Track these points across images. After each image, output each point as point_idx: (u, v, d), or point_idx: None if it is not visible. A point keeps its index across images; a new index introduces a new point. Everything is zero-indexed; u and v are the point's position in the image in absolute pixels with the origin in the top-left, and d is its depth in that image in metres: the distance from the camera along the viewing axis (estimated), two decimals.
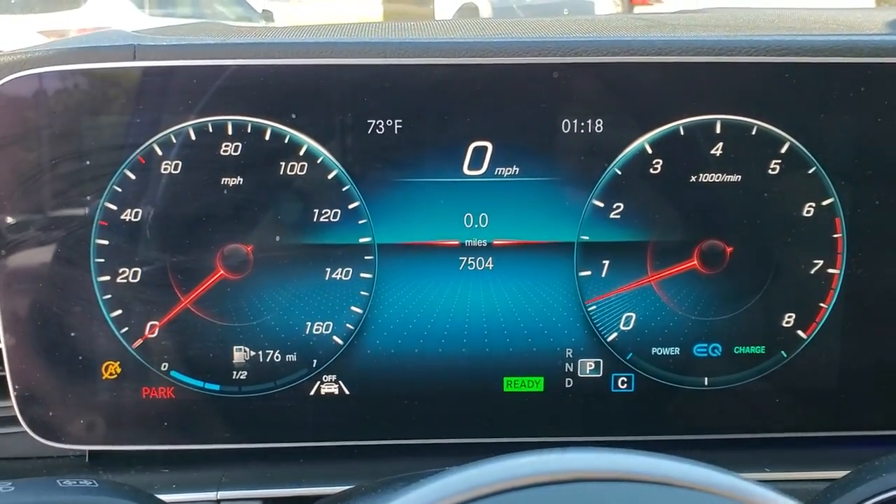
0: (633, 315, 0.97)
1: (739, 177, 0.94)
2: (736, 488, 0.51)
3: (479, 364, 0.97)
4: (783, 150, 0.94)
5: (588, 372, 0.98)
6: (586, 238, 0.95)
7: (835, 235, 0.95)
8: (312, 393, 0.97)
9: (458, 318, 0.96)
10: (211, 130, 0.91)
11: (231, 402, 0.96)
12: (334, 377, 0.96)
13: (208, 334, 0.95)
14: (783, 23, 1.19)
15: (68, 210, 0.92)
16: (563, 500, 0.49)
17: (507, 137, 0.92)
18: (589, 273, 0.95)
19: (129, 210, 0.92)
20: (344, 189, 0.93)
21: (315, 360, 0.96)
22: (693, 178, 0.94)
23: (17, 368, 0.93)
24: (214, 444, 0.97)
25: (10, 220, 0.91)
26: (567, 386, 0.98)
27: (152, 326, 0.94)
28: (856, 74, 0.92)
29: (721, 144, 0.93)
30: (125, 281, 0.93)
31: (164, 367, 0.95)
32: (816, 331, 0.97)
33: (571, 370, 0.97)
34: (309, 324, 0.95)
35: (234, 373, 0.96)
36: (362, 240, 0.94)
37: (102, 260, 0.93)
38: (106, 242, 0.92)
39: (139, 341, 0.94)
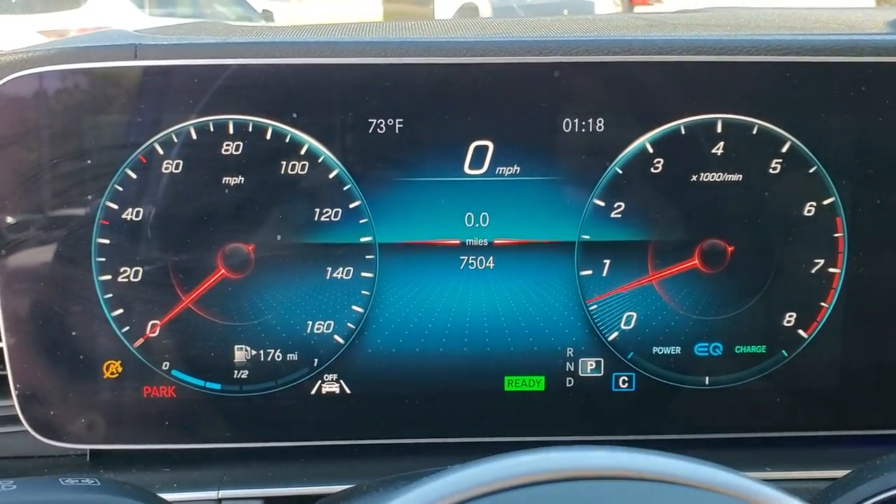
0: (634, 314, 0.97)
1: (740, 176, 0.94)
2: (741, 487, 0.51)
3: (480, 363, 0.97)
4: (784, 150, 0.94)
5: (589, 371, 0.98)
6: (587, 237, 0.95)
7: (836, 235, 0.95)
8: (313, 392, 0.97)
9: (458, 318, 0.96)
10: (212, 130, 0.91)
11: (232, 401, 0.96)
12: (335, 376, 0.96)
13: (209, 333, 0.95)
14: (784, 22, 1.19)
15: (69, 209, 0.92)
16: (568, 499, 0.49)
17: (508, 137, 0.92)
18: (590, 272, 0.96)
19: (130, 209, 0.92)
20: (345, 188, 0.93)
21: (316, 360, 0.96)
22: (694, 178, 0.94)
23: (19, 367, 0.94)
24: (215, 444, 0.97)
25: (11, 219, 0.91)
26: (568, 385, 0.98)
27: (153, 325, 0.94)
28: (856, 74, 0.92)
29: (722, 144, 0.93)
30: (126, 280, 0.93)
31: (166, 366, 0.95)
32: (817, 330, 0.97)
33: (572, 369, 0.97)
34: (310, 323, 0.95)
35: (236, 372, 0.96)
36: (363, 239, 0.94)
37: (104, 259, 0.93)
38: (107, 241, 0.92)
39: (140, 340, 0.94)
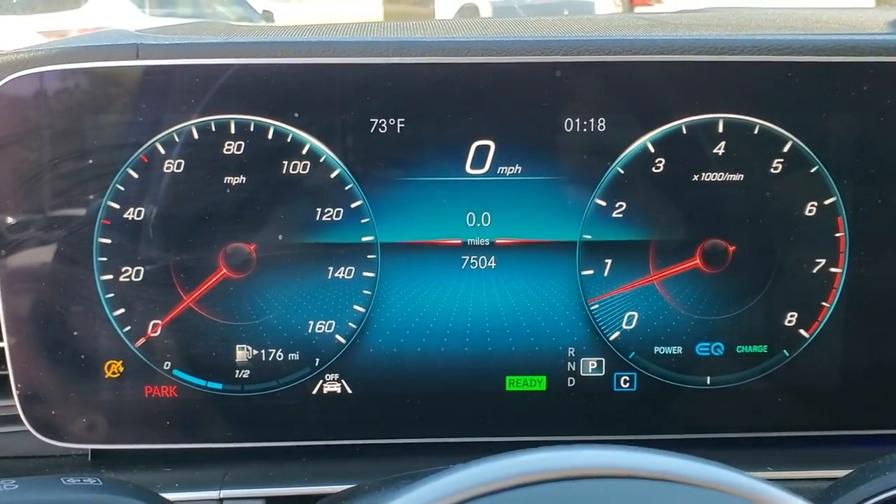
0: (636, 314, 0.97)
1: (742, 176, 0.94)
2: (746, 487, 0.51)
3: (482, 363, 0.97)
4: (785, 150, 0.94)
5: (590, 371, 0.98)
6: (589, 237, 0.95)
7: (837, 234, 0.95)
8: (315, 392, 0.97)
9: (460, 318, 0.96)
10: (214, 129, 0.91)
11: (234, 400, 0.96)
12: (337, 376, 0.96)
13: (211, 333, 0.95)
14: (785, 22, 1.19)
15: (71, 209, 0.92)
16: (572, 498, 0.49)
17: (509, 136, 0.92)
18: (591, 272, 0.96)
19: (131, 209, 0.92)
20: (346, 188, 0.93)
21: (318, 359, 0.96)
22: (695, 177, 0.94)
23: (20, 367, 0.94)
24: (217, 443, 0.97)
25: (13, 218, 0.91)
26: (569, 385, 0.98)
27: (155, 325, 0.94)
28: (858, 73, 0.92)
29: (723, 143, 0.93)
30: (128, 280, 0.93)
31: (167, 365, 0.95)
32: (819, 330, 0.97)
33: (574, 369, 0.97)
34: (311, 323, 0.95)
35: (237, 371, 0.96)
36: (365, 239, 0.94)
37: (105, 259, 0.93)
38: (109, 241, 0.92)
39: (142, 340, 0.95)
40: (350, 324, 0.95)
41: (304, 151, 0.92)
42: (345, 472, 0.93)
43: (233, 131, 0.91)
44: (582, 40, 0.93)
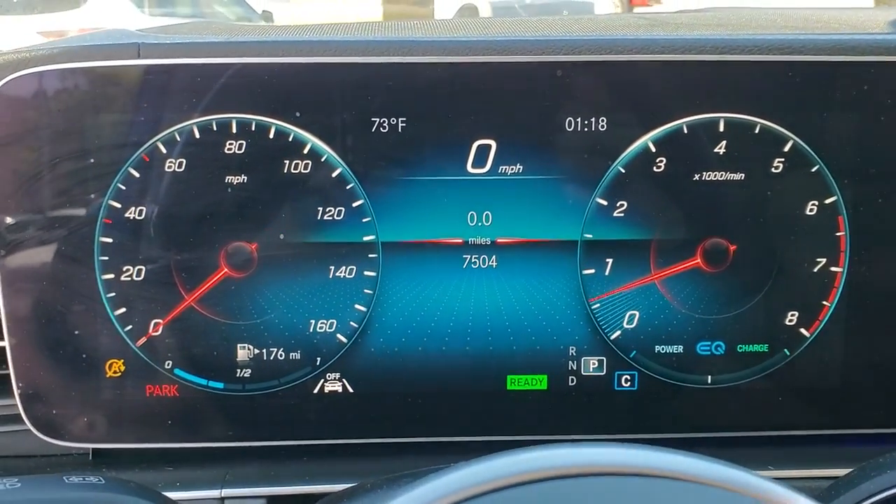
0: (637, 313, 0.97)
1: (743, 175, 0.94)
2: (752, 485, 0.51)
3: (483, 362, 0.97)
4: (786, 149, 0.94)
5: (591, 370, 0.98)
6: (590, 236, 0.95)
7: (838, 234, 0.95)
8: (316, 391, 0.97)
9: (461, 317, 0.96)
10: (215, 128, 0.91)
11: (235, 400, 0.96)
12: (338, 375, 0.96)
13: (212, 332, 0.95)
14: (785, 22, 1.19)
15: (72, 208, 0.92)
16: (579, 495, 0.49)
17: (510, 136, 0.93)
18: (592, 271, 0.96)
19: (133, 208, 0.92)
20: (348, 187, 0.93)
21: (319, 358, 0.96)
22: (696, 177, 0.94)
23: (21, 366, 0.94)
24: (218, 443, 0.97)
25: (15, 217, 0.91)
26: (570, 384, 0.98)
27: (156, 324, 0.94)
28: (858, 73, 0.92)
29: (724, 143, 0.93)
30: (129, 279, 0.93)
31: (168, 365, 0.95)
32: (819, 329, 0.97)
33: (575, 368, 0.97)
34: (313, 322, 0.95)
35: (238, 371, 0.96)
36: (366, 238, 0.94)
37: (106, 258, 0.93)
38: (110, 240, 0.92)
39: (143, 339, 0.95)
40: (351, 323, 0.95)
41: (305, 151, 0.92)
42: (346, 471, 0.93)
43: (234, 130, 0.91)
44: (583, 40, 0.93)
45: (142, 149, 0.91)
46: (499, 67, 0.91)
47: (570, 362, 0.97)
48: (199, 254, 0.93)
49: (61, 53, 0.90)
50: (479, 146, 0.93)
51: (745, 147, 0.93)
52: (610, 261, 0.96)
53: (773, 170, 0.94)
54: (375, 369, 0.96)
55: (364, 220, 0.94)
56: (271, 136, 0.91)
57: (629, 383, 0.98)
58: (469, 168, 0.93)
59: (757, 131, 0.93)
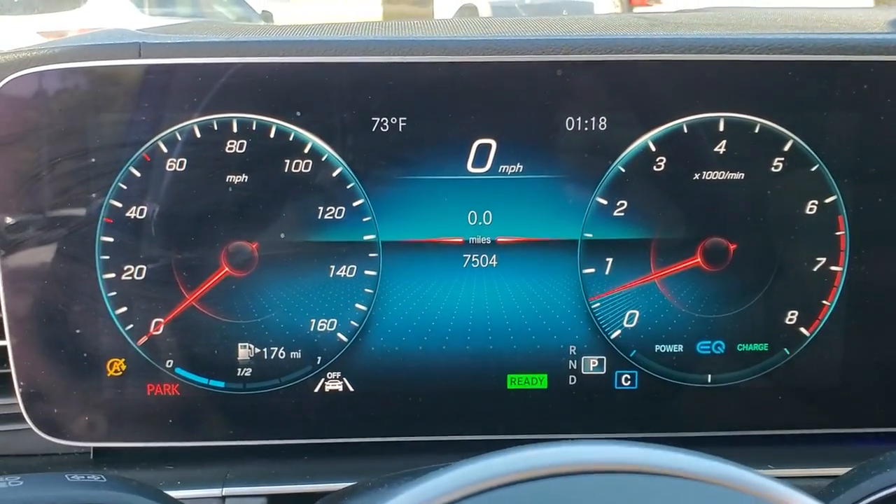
0: (637, 312, 0.97)
1: (743, 174, 0.94)
2: (752, 483, 0.51)
3: (483, 361, 0.97)
4: (786, 148, 0.94)
5: (591, 369, 0.98)
6: (590, 235, 0.95)
7: (838, 233, 0.96)
8: (317, 390, 0.97)
9: (461, 316, 0.96)
10: (216, 128, 0.91)
11: (236, 398, 0.96)
12: (339, 374, 0.97)
13: (213, 331, 0.95)
14: (785, 21, 1.20)
15: (73, 207, 0.92)
16: (578, 493, 0.49)
17: (510, 135, 0.93)
18: (592, 270, 0.96)
19: (134, 207, 0.92)
20: (348, 186, 0.93)
21: (319, 357, 0.96)
22: (696, 176, 0.94)
23: (23, 366, 0.94)
24: (219, 441, 0.97)
25: (16, 216, 0.91)
26: (571, 383, 0.98)
27: (157, 323, 0.95)
28: (858, 72, 0.92)
29: (724, 142, 0.93)
30: (130, 278, 0.93)
31: (169, 364, 0.95)
32: (819, 328, 0.97)
33: (575, 367, 0.98)
34: (313, 321, 0.95)
35: (239, 370, 0.96)
36: (366, 237, 0.94)
37: (107, 257, 0.93)
38: (111, 240, 0.93)
39: (144, 338, 0.95)
40: (352, 322, 0.96)
41: (305, 150, 0.92)
42: (346, 469, 0.94)
43: (235, 130, 0.91)
44: (583, 39, 0.93)
45: (143, 148, 0.91)
46: (499, 67, 0.91)
47: (571, 361, 0.97)
48: (200, 253, 0.94)
49: (62, 53, 0.90)
50: (479, 145, 0.93)
51: (745, 146, 0.94)
52: (610, 260, 0.96)
53: (773, 169, 0.94)
54: (376, 368, 0.96)
55: (364, 220, 0.94)
56: (272, 135, 0.92)
57: (629, 382, 0.98)
58: (469, 167, 0.93)
59: (757, 131, 0.93)
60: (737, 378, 0.98)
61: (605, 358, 0.98)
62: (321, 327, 0.96)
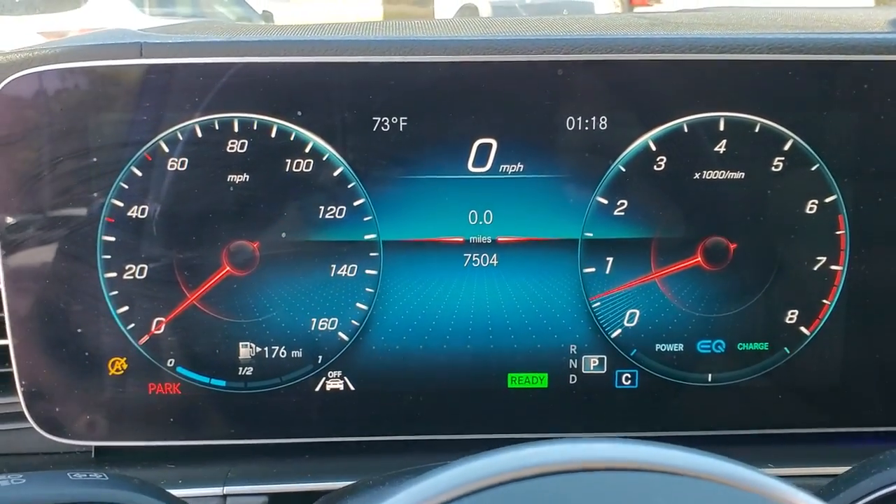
0: (637, 312, 0.97)
1: (743, 174, 0.94)
2: (754, 481, 0.52)
3: (484, 360, 0.97)
4: (786, 148, 0.94)
5: (592, 368, 0.98)
6: (590, 235, 0.95)
7: (838, 232, 0.96)
8: (318, 389, 0.97)
9: (462, 315, 0.96)
10: (217, 128, 0.91)
11: (237, 398, 0.97)
12: (339, 373, 0.97)
13: (214, 330, 0.95)
14: (786, 21, 1.20)
15: (75, 207, 0.92)
16: (583, 489, 0.49)
17: (511, 134, 0.93)
18: (593, 270, 0.96)
19: (135, 207, 0.92)
20: (349, 186, 0.93)
21: (320, 357, 0.96)
22: (697, 176, 0.94)
23: (24, 365, 0.94)
24: (220, 440, 0.97)
25: (18, 216, 0.91)
26: (571, 382, 0.98)
27: (158, 323, 0.95)
28: (858, 72, 0.93)
29: (724, 142, 0.94)
30: (132, 277, 0.94)
31: (171, 363, 0.96)
32: (819, 327, 0.98)
33: (575, 366, 0.98)
34: (314, 320, 0.96)
35: (240, 369, 0.96)
36: (367, 236, 0.94)
37: (109, 256, 0.93)
38: (112, 239, 0.93)
39: (145, 337, 0.95)
40: (353, 321, 0.96)
41: (306, 150, 0.92)
42: (347, 468, 0.94)
43: (236, 129, 0.91)
44: (583, 39, 0.93)
45: (144, 148, 0.91)
46: (500, 67, 0.92)
47: (571, 360, 0.98)
48: (201, 252, 0.94)
49: (64, 53, 0.90)
50: (479, 145, 0.93)
51: (745, 146, 0.94)
52: (610, 259, 0.96)
53: (773, 169, 0.94)
54: (377, 367, 0.97)
55: (365, 219, 0.94)
56: (273, 135, 0.92)
57: (630, 381, 0.98)
58: (470, 167, 0.93)
59: (757, 130, 0.94)
60: (737, 377, 0.98)
61: (605, 357, 0.98)
62: (322, 326, 0.96)
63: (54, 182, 0.91)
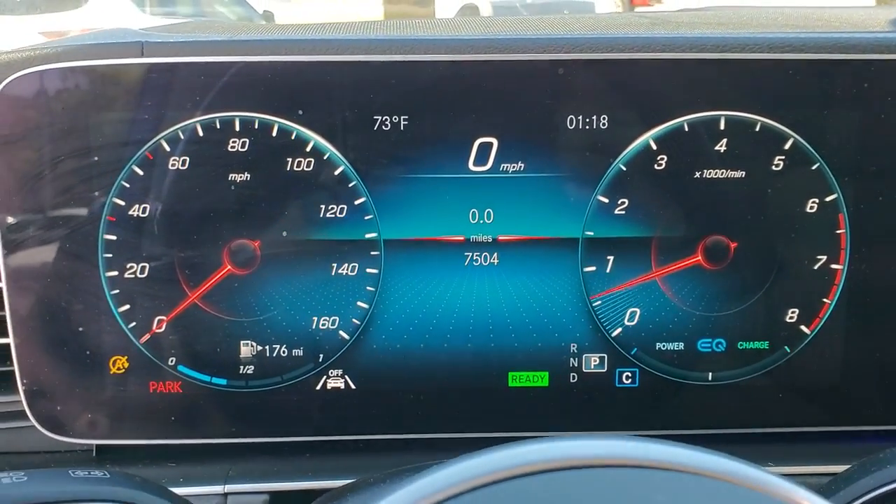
0: (638, 310, 0.97)
1: (743, 173, 0.94)
2: (756, 479, 0.52)
3: (485, 359, 0.97)
4: (787, 147, 0.94)
5: (593, 367, 0.98)
6: (591, 234, 0.95)
7: (838, 231, 0.96)
8: (319, 387, 0.97)
9: (463, 314, 0.96)
10: (218, 126, 0.91)
11: (238, 396, 0.97)
12: (340, 372, 0.97)
13: (215, 329, 0.95)
14: (786, 20, 1.20)
15: (76, 206, 0.92)
16: (586, 485, 0.49)
17: (512, 133, 0.93)
18: (594, 269, 0.96)
19: (136, 206, 0.92)
20: (350, 185, 0.93)
21: (321, 355, 0.96)
22: (697, 175, 0.94)
23: (26, 363, 0.94)
24: (221, 439, 0.97)
25: (20, 215, 0.91)
26: (572, 381, 0.98)
27: (160, 321, 0.95)
28: (859, 71, 0.93)
29: (725, 141, 0.94)
30: (133, 276, 0.94)
31: (172, 361, 0.96)
32: (819, 326, 0.98)
33: (576, 365, 0.98)
34: (315, 319, 0.96)
35: (241, 367, 0.96)
36: (368, 235, 0.95)
37: (110, 255, 0.93)
38: (114, 238, 0.93)
39: (147, 336, 0.95)
40: (353, 320, 0.96)
41: (308, 149, 0.92)
42: (348, 467, 0.94)
43: (237, 128, 0.92)
44: (584, 38, 0.93)
45: (145, 147, 0.91)
46: (500, 66, 0.92)
47: (572, 359, 0.98)
48: (203, 251, 0.94)
49: (65, 52, 0.91)
50: (480, 144, 0.93)
51: (745, 145, 0.94)
52: (611, 258, 0.96)
53: (773, 167, 0.94)
54: (377, 366, 0.97)
55: (366, 218, 0.94)
56: (274, 133, 0.92)
57: (630, 380, 0.98)
58: (471, 166, 0.93)
59: (757, 129, 0.94)
60: (737, 376, 0.99)
61: (606, 356, 0.98)
62: (323, 325, 0.96)
63: (56, 181, 0.91)
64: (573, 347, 0.97)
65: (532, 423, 0.98)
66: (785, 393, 0.99)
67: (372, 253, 0.95)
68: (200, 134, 0.91)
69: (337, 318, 0.96)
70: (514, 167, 0.94)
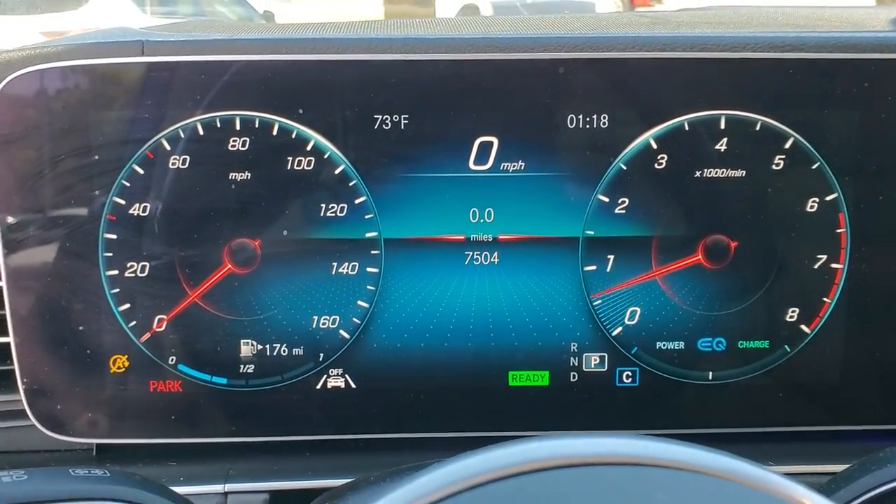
0: (638, 309, 0.97)
1: (744, 172, 0.94)
2: (757, 477, 0.52)
3: (485, 358, 0.97)
4: (787, 146, 0.94)
5: (593, 366, 0.98)
6: (591, 233, 0.95)
7: (838, 230, 0.96)
8: (319, 387, 0.97)
9: (463, 313, 0.96)
10: (219, 125, 0.91)
11: (238, 395, 0.97)
12: (340, 371, 0.97)
13: (216, 328, 0.95)
14: (786, 19, 1.20)
15: (77, 205, 0.92)
16: (585, 484, 0.49)
17: (512, 132, 0.93)
18: (594, 268, 0.96)
19: (137, 204, 0.92)
20: (350, 184, 0.93)
21: (322, 354, 0.96)
22: (697, 174, 0.94)
23: (26, 362, 0.94)
24: (221, 438, 0.97)
25: (20, 215, 0.92)
26: (572, 380, 0.98)
27: (160, 320, 0.95)
28: (859, 70, 0.93)
29: (725, 140, 0.94)
30: (133, 275, 0.94)
31: (172, 360, 0.96)
32: (820, 325, 0.98)
33: (576, 364, 0.98)
34: (315, 318, 0.96)
35: (242, 366, 0.96)
36: (369, 234, 0.95)
37: (111, 254, 0.93)
38: (114, 237, 0.93)
39: (147, 335, 0.95)
40: (354, 319, 0.96)
41: (308, 148, 0.92)
42: (348, 466, 0.94)
43: (238, 127, 0.92)
44: (585, 37, 0.93)
45: (146, 146, 0.91)
46: (501, 65, 0.92)
47: (572, 358, 0.98)
48: (203, 250, 0.94)
49: (66, 51, 0.91)
50: (481, 143, 0.93)
51: (746, 144, 0.94)
52: (611, 257, 0.96)
53: (773, 167, 0.94)
54: (378, 365, 0.97)
55: (367, 217, 0.94)
56: (274, 133, 0.92)
57: (630, 379, 0.99)
58: (471, 165, 0.93)
59: (758, 128, 0.94)
60: (738, 375, 0.99)
61: (606, 355, 0.98)
62: (323, 324, 0.96)
63: (56, 180, 0.91)
64: (573, 346, 0.97)
65: (532, 422, 0.98)
66: (785, 392, 0.99)
67: (372, 252, 0.95)
68: (201, 133, 0.91)
69: (337, 318, 0.96)
70: (514, 166, 0.94)
